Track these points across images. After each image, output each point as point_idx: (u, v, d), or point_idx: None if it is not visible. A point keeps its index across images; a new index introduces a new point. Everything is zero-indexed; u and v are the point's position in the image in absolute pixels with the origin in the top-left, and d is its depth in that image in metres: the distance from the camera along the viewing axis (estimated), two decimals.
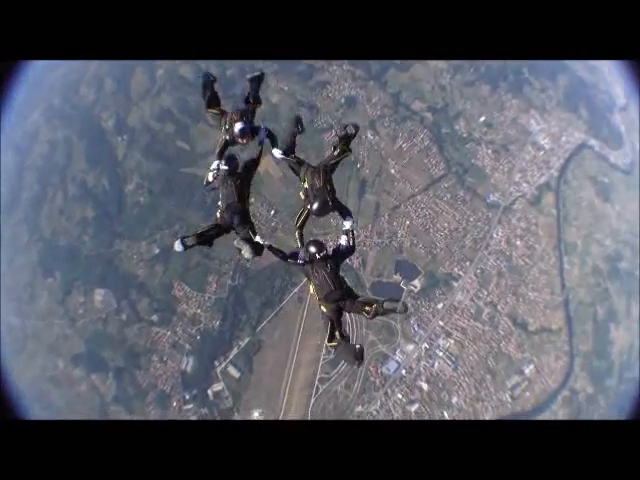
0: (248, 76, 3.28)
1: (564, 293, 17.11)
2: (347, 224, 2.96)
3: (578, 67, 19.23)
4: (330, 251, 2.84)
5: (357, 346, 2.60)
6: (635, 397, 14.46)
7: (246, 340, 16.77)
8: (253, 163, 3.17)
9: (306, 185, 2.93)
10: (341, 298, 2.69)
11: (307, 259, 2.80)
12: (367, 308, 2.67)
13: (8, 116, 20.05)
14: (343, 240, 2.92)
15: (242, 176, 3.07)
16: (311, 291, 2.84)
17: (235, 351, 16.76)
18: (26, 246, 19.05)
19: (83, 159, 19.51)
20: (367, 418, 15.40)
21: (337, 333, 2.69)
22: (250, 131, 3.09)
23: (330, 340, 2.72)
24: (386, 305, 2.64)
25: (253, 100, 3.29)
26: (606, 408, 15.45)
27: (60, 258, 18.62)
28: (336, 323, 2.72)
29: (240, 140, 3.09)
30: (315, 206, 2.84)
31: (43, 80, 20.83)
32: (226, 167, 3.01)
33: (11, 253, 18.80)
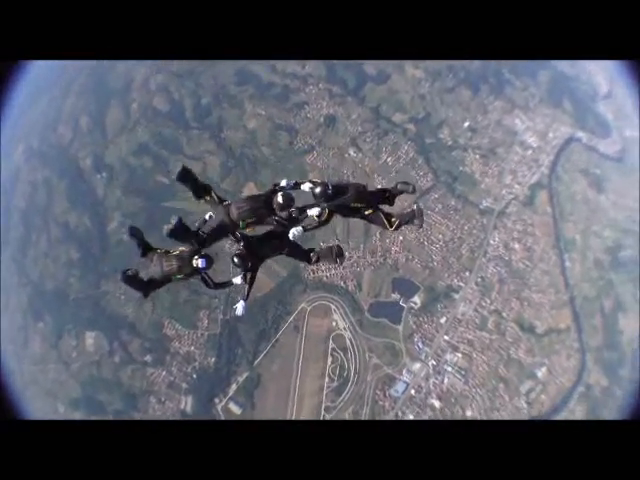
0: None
1: (568, 291, 16.40)
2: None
3: (558, 62, 18.85)
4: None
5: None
6: (635, 397, 14.06)
7: (244, 375, 15.85)
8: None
9: None
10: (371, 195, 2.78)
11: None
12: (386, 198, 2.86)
13: None
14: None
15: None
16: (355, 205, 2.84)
17: (234, 387, 15.84)
18: (16, 288, 18.36)
19: (64, 199, 18.81)
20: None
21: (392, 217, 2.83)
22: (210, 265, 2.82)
23: (393, 225, 2.89)
24: (400, 187, 2.82)
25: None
26: (621, 398, 14.62)
27: (49, 302, 17.89)
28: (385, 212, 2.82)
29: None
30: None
31: (22, 117, 20.22)
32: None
33: (6, 294, 18.05)
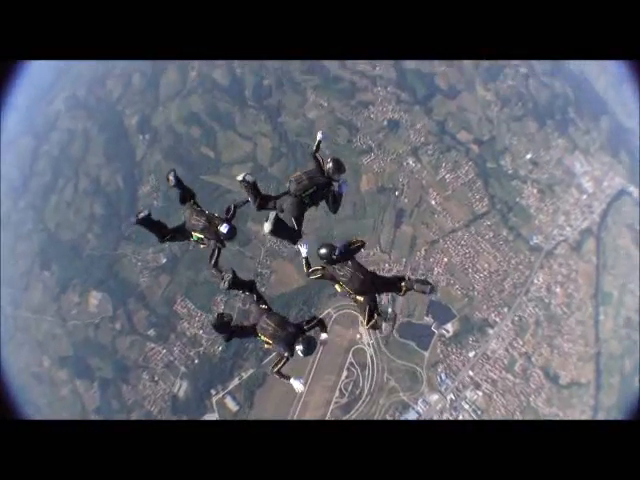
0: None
1: (597, 345, 15.22)
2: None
3: (617, 110, 18.07)
4: (342, 248, 2.75)
5: (391, 312, 2.72)
6: (635, 397, 13.33)
7: (249, 371, 14.31)
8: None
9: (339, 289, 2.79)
10: (373, 285, 2.67)
11: (326, 260, 2.71)
12: (400, 284, 2.73)
13: (30, 101, 18.42)
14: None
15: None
16: (339, 289, 2.78)
17: (236, 382, 14.28)
18: (29, 234, 17.08)
19: (100, 153, 17.66)
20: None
21: (376, 314, 2.70)
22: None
23: (369, 322, 2.72)
24: (417, 287, 2.71)
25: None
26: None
27: (61, 252, 16.55)
28: (374, 307, 2.72)
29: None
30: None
31: (70, 68, 19.23)
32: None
33: (14, 238, 16.85)
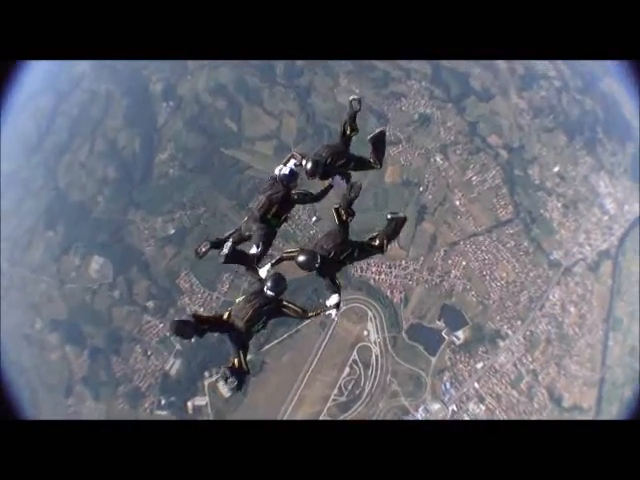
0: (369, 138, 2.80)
1: (602, 371, 14.35)
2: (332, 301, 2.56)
3: None
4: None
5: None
6: (635, 397, 13.01)
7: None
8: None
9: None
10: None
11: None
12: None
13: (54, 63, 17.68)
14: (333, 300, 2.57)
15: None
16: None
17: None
18: (38, 191, 16.14)
19: (120, 117, 16.82)
20: None
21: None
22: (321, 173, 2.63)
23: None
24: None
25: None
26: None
27: (67, 213, 15.59)
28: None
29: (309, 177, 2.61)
30: (300, 258, 2.44)
31: None
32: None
33: (23, 194, 15.89)
